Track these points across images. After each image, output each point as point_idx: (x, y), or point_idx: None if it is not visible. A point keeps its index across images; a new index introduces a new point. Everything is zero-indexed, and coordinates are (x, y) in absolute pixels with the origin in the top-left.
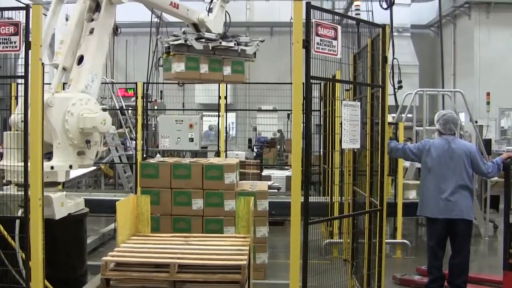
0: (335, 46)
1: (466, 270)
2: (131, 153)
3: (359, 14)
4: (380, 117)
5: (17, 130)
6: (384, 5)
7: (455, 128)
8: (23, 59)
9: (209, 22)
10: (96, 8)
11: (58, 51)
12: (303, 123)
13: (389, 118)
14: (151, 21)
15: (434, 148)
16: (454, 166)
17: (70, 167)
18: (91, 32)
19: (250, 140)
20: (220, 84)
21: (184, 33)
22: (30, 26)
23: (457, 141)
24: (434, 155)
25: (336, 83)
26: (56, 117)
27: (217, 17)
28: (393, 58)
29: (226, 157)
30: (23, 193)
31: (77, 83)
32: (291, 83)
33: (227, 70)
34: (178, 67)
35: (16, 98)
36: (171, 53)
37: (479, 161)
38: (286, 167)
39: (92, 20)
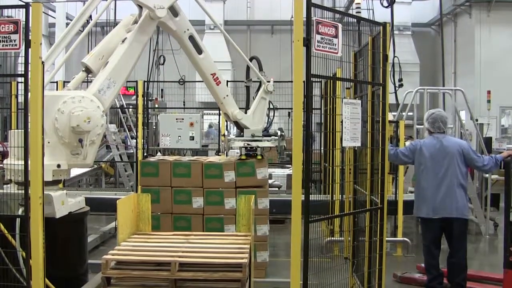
0: (335, 44)
1: (464, 267)
2: (132, 151)
3: (359, 12)
4: (380, 115)
5: None
6: (385, 3)
7: (444, 126)
8: (23, 58)
9: (245, 119)
10: None
11: (93, 52)
12: (303, 121)
13: (390, 116)
14: None
15: (426, 148)
16: (447, 164)
17: (58, 166)
18: (123, 41)
19: None
20: None
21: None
22: (30, 24)
23: (448, 139)
24: (427, 154)
25: (337, 81)
26: (45, 115)
27: (257, 112)
28: (394, 57)
29: (227, 155)
30: (23, 191)
31: (92, 85)
32: (291, 81)
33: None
34: (262, 172)
35: (16, 96)
36: (258, 156)
37: (472, 156)
38: (287, 166)
39: (130, 31)
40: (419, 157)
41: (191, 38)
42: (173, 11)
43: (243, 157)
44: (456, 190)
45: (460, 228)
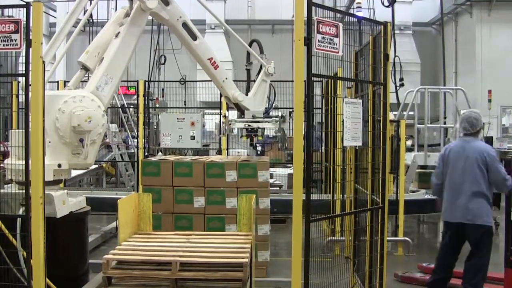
0: (336, 44)
1: (475, 274)
2: (133, 151)
3: (360, 11)
4: (381, 114)
5: None
6: (386, 3)
7: (471, 127)
8: (24, 57)
9: (246, 101)
10: None
11: (88, 50)
12: (304, 121)
13: (391, 115)
14: (152, 19)
15: (451, 151)
16: (465, 169)
17: (59, 166)
18: (117, 36)
19: (252, 138)
20: None
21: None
22: (31, 24)
23: (473, 143)
24: (450, 157)
25: (338, 81)
26: (46, 115)
27: (257, 94)
28: (395, 56)
29: (228, 155)
30: (24, 191)
31: (89, 83)
32: (292, 81)
33: None
34: (263, 175)
35: (17, 96)
36: (259, 137)
37: (495, 166)
38: (289, 165)
39: (123, 25)
40: (447, 159)
41: (185, 25)
42: (164, 0)
43: (244, 138)
44: (473, 195)
45: (475, 235)
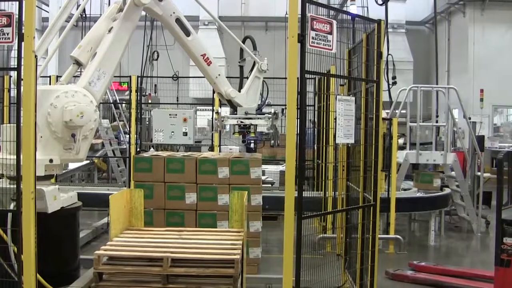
0: (330, 41)
1: None
2: (125, 147)
3: (354, 4)
4: (374, 112)
5: None
6: (380, 1)
7: None
8: (16, 51)
9: (238, 97)
10: None
11: (81, 44)
12: (297, 118)
13: (383, 113)
14: (146, 14)
15: None
16: None
17: (51, 161)
18: (110, 31)
19: (244, 135)
20: None
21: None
22: (23, 18)
23: None
24: None
25: (331, 78)
26: (38, 110)
27: (250, 91)
28: (388, 54)
29: (220, 151)
30: (15, 186)
31: (82, 78)
32: (285, 78)
33: None
34: (255, 172)
35: (9, 90)
36: (251, 134)
37: None
38: (281, 162)
39: (116, 20)
40: None
41: (178, 21)
42: None
43: (236, 135)
44: None
45: None
